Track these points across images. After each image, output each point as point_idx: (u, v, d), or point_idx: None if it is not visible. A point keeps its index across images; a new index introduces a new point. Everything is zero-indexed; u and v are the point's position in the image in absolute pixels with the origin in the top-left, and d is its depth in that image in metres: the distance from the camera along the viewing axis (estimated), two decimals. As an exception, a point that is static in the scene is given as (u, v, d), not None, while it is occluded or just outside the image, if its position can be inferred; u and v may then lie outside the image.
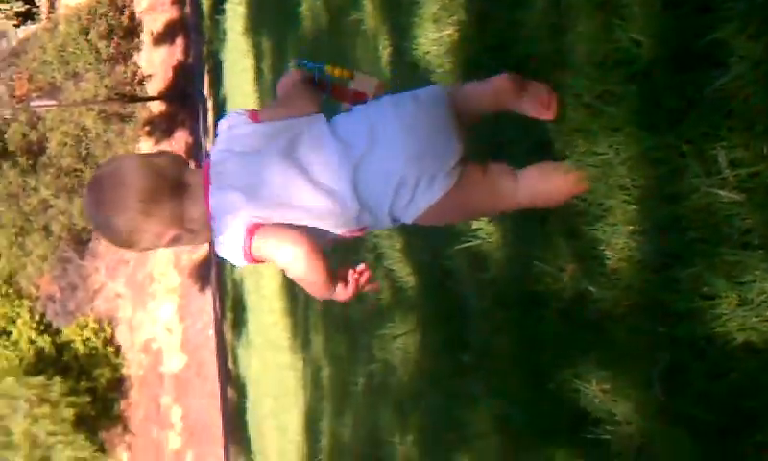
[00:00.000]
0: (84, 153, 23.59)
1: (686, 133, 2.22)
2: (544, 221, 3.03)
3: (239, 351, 16.00)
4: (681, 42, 2.25)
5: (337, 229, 2.60)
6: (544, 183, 2.70)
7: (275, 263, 2.55)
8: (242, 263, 2.57)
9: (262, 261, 2.56)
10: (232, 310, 16.64)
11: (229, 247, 2.55)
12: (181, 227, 2.60)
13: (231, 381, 18.21)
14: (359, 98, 2.81)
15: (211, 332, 22.43)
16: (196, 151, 23.60)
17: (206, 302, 22.68)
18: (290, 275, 2.57)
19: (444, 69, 3.87)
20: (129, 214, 2.54)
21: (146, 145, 24.36)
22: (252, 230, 2.50)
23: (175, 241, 2.67)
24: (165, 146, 24.20)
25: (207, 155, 2.68)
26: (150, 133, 24.47)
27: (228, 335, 18.61)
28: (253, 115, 2.67)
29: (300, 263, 2.48)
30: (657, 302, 2.37)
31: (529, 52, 3.09)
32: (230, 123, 2.68)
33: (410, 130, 2.54)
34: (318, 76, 2.83)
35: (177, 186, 2.59)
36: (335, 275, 2.60)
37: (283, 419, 10.20)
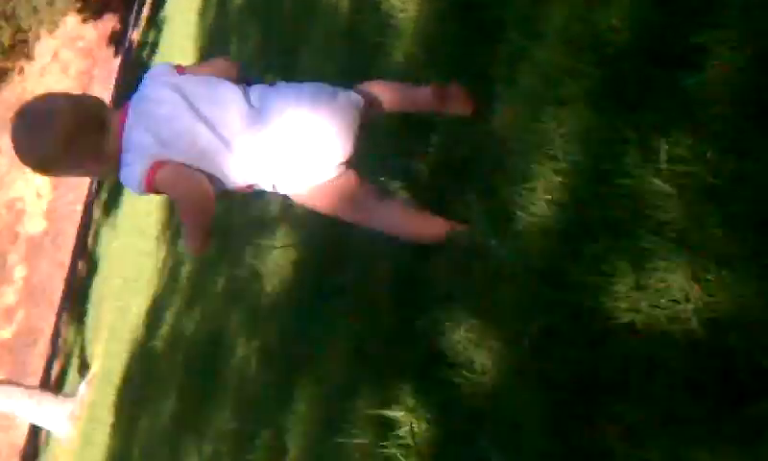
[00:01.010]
0: (8, 11, 23.02)
1: (636, 120, 2.25)
2: (460, 173, 3.06)
3: (103, 229, 15.79)
4: (662, 39, 2.28)
5: (227, 177, 2.84)
6: (401, 222, 3.00)
7: (170, 193, 2.85)
8: (141, 192, 2.81)
9: (158, 192, 2.82)
10: (108, 191, 16.41)
11: (133, 178, 2.78)
12: (96, 161, 2.86)
13: (86, 256, 17.91)
14: None
15: (79, 207, 22.11)
16: (119, 39, 23.38)
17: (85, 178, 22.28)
18: (179, 203, 2.84)
19: (405, 13, 3.88)
20: (51, 146, 2.78)
21: (72, 20, 24.30)
22: (157, 166, 2.74)
23: (87, 172, 3.16)
24: (90, 27, 24.23)
25: (129, 97, 2.94)
26: (80, 11, 24.13)
27: (97, 213, 18.35)
28: (179, 68, 2.96)
29: (192, 194, 2.74)
30: (553, 269, 2.38)
31: (501, 15, 3.11)
32: (155, 72, 3.00)
33: (316, 114, 2.82)
34: None
35: (98, 125, 2.83)
36: (212, 225, 2.79)
37: (128, 300, 10.04)
